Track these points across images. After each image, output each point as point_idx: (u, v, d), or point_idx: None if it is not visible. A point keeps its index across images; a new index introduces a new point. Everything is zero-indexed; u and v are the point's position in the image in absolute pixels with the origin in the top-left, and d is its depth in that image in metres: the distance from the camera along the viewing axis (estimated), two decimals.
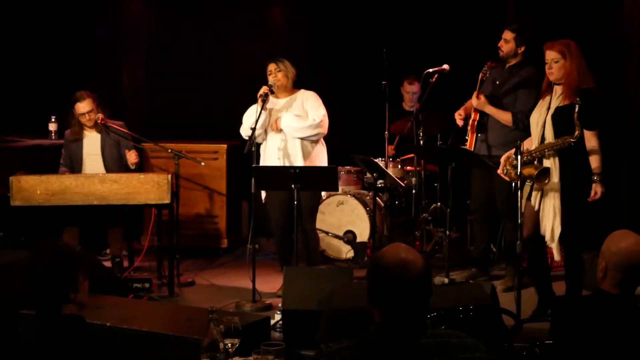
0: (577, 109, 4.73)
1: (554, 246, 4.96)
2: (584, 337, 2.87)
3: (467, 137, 6.08)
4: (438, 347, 2.34)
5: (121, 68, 8.46)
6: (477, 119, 5.97)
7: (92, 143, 6.53)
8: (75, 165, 6.52)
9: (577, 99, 4.74)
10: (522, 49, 5.90)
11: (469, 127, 6.02)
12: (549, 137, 4.93)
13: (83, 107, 6.40)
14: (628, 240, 2.90)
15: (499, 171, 5.24)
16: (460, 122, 6.07)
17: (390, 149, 7.36)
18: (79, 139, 6.51)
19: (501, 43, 5.94)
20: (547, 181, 4.91)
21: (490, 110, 5.86)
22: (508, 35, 5.91)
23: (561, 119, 4.90)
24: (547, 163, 4.95)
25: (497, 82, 5.95)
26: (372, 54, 7.21)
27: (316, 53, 8.10)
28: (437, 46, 7.44)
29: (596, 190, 4.90)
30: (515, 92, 5.87)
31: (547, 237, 4.96)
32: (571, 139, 4.80)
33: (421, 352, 2.33)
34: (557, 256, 4.99)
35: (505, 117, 5.84)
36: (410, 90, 7.33)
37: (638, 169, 6.38)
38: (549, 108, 4.99)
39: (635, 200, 6.37)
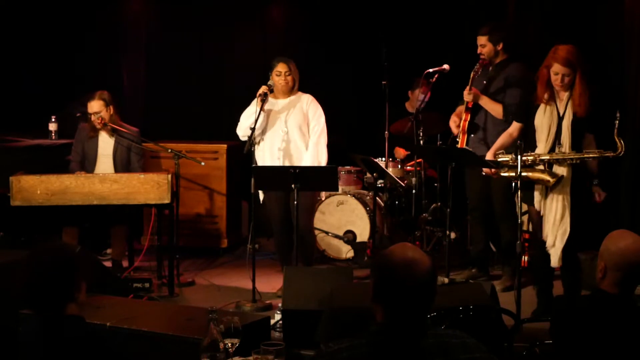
0: (616, 125, 4.74)
1: (555, 251, 4.96)
2: (583, 337, 2.87)
3: (457, 139, 6.11)
4: (438, 347, 2.34)
5: (121, 68, 8.46)
6: (468, 119, 6.02)
7: (106, 145, 6.56)
8: (88, 164, 6.55)
9: (617, 115, 4.74)
10: (500, 45, 6.01)
11: (459, 129, 6.06)
12: (566, 144, 4.94)
13: (91, 107, 6.45)
14: (626, 239, 2.91)
15: (489, 170, 5.26)
16: (455, 130, 6.11)
17: (401, 151, 7.37)
18: (94, 137, 6.53)
19: (479, 50, 6.06)
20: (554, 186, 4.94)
21: (483, 100, 5.92)
22: (482, 40, 6.04)
23: (579, 128, 4.93)
24: (560, 170, 4.96)
25: (485, 82, 6.03)
26: (372, 54, 7.21)
27: (316, 53, 8.10)
28: (437, 46, 7.44)
29: (598, 192, 4.94)
30: (504, 88, 5.96)
31: (549, 242, 4.96)
32: (612, 154, 4.84)
33: (421, 353, 2.33)
34: (555, 262, 4.99)
35: (496, 108, 5.93)
36: (420, 98, 7.31)
37: (638, 169, 6.38)
38: (559, 114, 4.99)
39: (635, 200, 6.36)
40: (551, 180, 4.92)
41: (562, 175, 4.92)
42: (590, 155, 4.88)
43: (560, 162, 4.96)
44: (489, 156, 5.32)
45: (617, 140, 4.77)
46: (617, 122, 4.74)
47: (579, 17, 6.79)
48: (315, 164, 5.77)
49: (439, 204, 7.01)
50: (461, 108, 6.14)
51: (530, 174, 4.95)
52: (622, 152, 4.81)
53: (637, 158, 6.36)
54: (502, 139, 5.34)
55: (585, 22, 6.73)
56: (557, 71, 4.94)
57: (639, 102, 6.34)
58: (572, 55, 4.92)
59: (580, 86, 4.90)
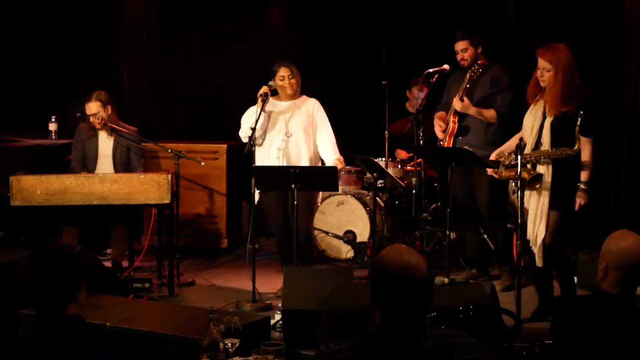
0: (579, 122, 4.74)
1: (536, 250, 4.97)
2: (584, 337, 2.87)
3: (441, 142, 6.12)
4: (439, 347, 2.34)
5: (121, 68, 8.47)
6: (456, 121, 6.02)
7: (105, 145, 6.57)
8: (89, 164, 6.56)
9: (581, 112, 4.73)
10: (480, 48, 6.02)
11: (447, 133, 6.07)
12: (546, 143, 4.95)
13: (89, 108, 6.46)
14: (628, 239, 2.91)
15: (491, 170, 5.25)
16: (441, 135, 6.12)
17: (402, 153, 7.38)
18: (93, 137, 6.54)
19: (460, 55, 6.04)
20: (537, 186, 4.94)
21: (473, 110, 5.92)
22: (462, 44, 6.03)
23: (559, 127, 4.91)
24: (540, 169, 4.98)
25: (468, 86, 6.02)
26: (372, 54, 7.21)
27: (316, 53, 8.10)
28: (437, 46, 7.44)
29: (579, 200, 4.92)
30: (490, 90, 5.97)
31: (532, 242, 4.98)
32: (570, 152, 4.85)
33: (422, 353, 2.33)
34: (539, 262, 4.99)
35: (489, 114, 5.94)
36: (419, 97, 7.32)
37: (638, 169, 6.38)
38: (544, 113, 4.99)
39: (635, 200, 6.36)
40: (527, 177, 4.92)
41: (540, 174, 4.93)
42: (554, 153, 4.88)
43: (539, 161, 4.97)
44: (493, 156, 5.31)
45: (577, 137, 4.78)
46: (580, 119, 4.74)
47: (579, 17, 6.79)
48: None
49: (439, 204, 7.01)
50: (441, 113, 6.16)
51: (513, 172, 4.95)
52: (578, 150, 4.80)
53: (637, 158, 6.37)
54: (513, 141, 5.30)
55: (585, 22, 6.73)
56: (538, 66, 4.98)
57: (639, 102, 6.34)
58: (554, 50, 4.92)
59: (554, 83, 4.88)
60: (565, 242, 5.14)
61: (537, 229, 4.95)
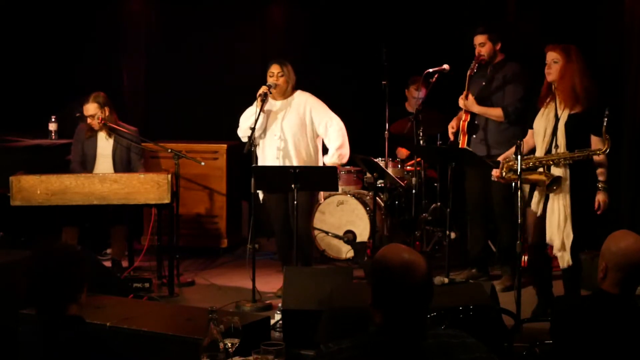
0: (605, 122, 4.70)
1: (563, 254, 4.95)
2: (584, 337, 2.87)
3: (459, 140, 6.11)
4: (438, 347, 2.34)
5: (121, 68, 8.47)
6: (468, 119, 6.01)
7: (105, 145, 6.57)
8: (87, 164, 6.56)
9: (606, 112, 4.70)
10: (499, 45, 6.00)
11: (460, 129, 6.06)
12: (562, 145, 4.91)
13: (86, 109, 6.47)
14: (628, 240, 2.90)
15: (496, 174, 5.22)
16: (451, 136, 6.11)
17: (403, 152, 7.38)
18: (92, 137, 6.55)
19: (478, 50, 6.00)
20: (554, 187, 4.92)
21: (478, 109, 5.91)
22: (481, 38, 6.00)
23: (573, 128, 4.89)
24: (557, 171, 4.93)
25: (483, 83, 6.02)
26: (372, 54, 7.21)
27: (316, 53, 8.10)
28: (437, 46, 7.44)
29: (602, 200, 4.92)
30: (503, 88, 5.95)
31: (557, 246, 4.95)
32: (600, 152, 4.80)
33: (422, 353, 2.33)
34: (563, 264, 4.97)
35: (495, 112, 5.91)
36: (417, 96, 7.31)
37: (638, 169, 6.38)
38: (556, 115, 4.98)
39: (635, 201, 6.36)
40: (546, 180, 4.90)
41: (559, 176, 4.91)
42: (578, 155, 4.86)
43: (555, 163, 4.95)
44: (500, 160, 5.28)
45: (604, 137, 4.75)
46: (606, 119, 4.72)
47: (579, 17, 6.79)
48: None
49: (439, 204, 7.01)
50: (460, 113, 6.16)
51: (529, 176, 4.95)
52: (608, 150, 4.77)
53: (637, 158, 6.37)
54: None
55: (585, 22, 6.74)
56: (547, 60, 4.96)
57: (639, 102, 6.34)
58: (563, 46, 4.92)
59: (563, 77, 4.87)
60: (583, 242, 5.15)
61: (563, 233, 4.92)
